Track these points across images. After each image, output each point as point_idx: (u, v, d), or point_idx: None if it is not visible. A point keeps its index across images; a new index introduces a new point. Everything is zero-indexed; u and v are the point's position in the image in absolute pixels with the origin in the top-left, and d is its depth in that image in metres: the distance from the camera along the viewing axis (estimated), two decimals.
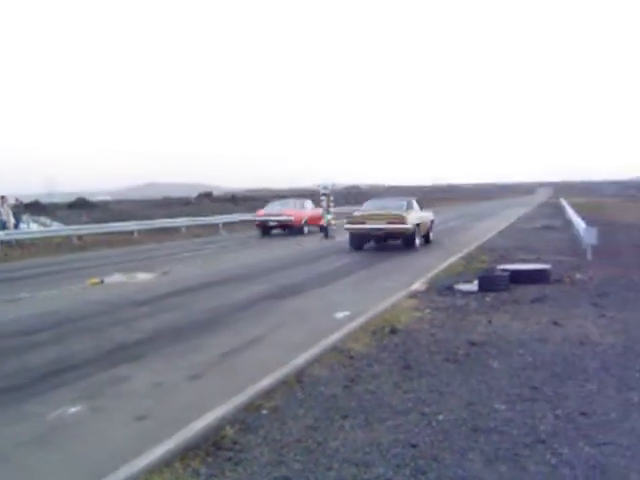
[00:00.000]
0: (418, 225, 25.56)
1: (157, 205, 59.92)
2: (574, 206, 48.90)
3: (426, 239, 27.30)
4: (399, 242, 25.64)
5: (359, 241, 25.88)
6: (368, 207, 27.10)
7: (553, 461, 5.61)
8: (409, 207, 25.99)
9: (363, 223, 25.36)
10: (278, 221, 35.68)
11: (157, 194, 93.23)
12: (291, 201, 39.05)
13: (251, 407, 7.23)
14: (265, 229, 35.80)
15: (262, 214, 36.68)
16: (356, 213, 26.66)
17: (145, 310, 13.76)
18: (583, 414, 6.67)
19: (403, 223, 24.64)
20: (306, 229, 35.85)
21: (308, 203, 37.81)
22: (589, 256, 19.98)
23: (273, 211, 36.63)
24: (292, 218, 35.35)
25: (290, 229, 35.45)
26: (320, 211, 34.73)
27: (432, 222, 28.65)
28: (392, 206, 26.25)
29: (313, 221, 36.05)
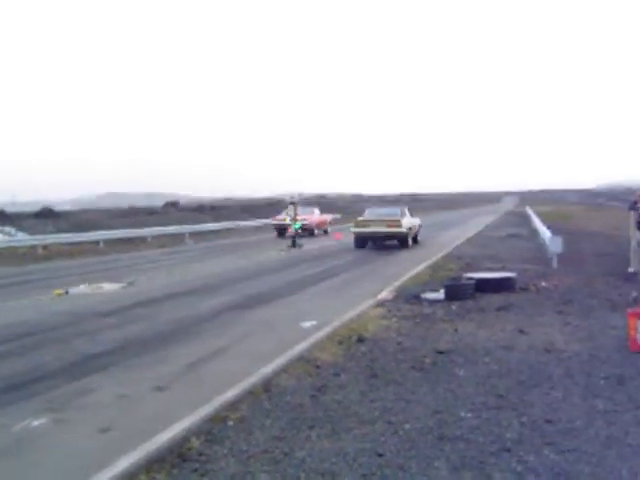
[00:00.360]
0: (410, 228, 30.54)
1: (122, 215, 59.39)
2: (539, 215, 49.28)
3: (414, 240, 31.83)
4: (395, 242, 30.29)
5: (362, 241, 30.38)
6: (369, 214, 32.10)
7: (519, 469, 5.63)
8: (403, 214, 30.96)
9: (366, 226, 30.34)
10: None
11: (117, 203, 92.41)
12: (301, 208, 40.60)
13: (217, 418, 7.19)
14: (281, 231, 39.72)
15: (279, 219, 41.35)
16: (360, 218, 31.26)
17: (110, 321, 13.64)
18: (548, 421, 6.71)
19: (399, 227, 29.60)
20: (316, 231, 41.41)
21: (316, 210, 43.88)
22: (554, 264, 20.15)
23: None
24: (310, 222, 40.03)
25: (303, 231, 37.29)
26: (326, 217, 43.65)
27: (420, 226, 33.59)
28: (389, 213, 31.71)
29: (320, 225, 42.81)
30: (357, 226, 30.70)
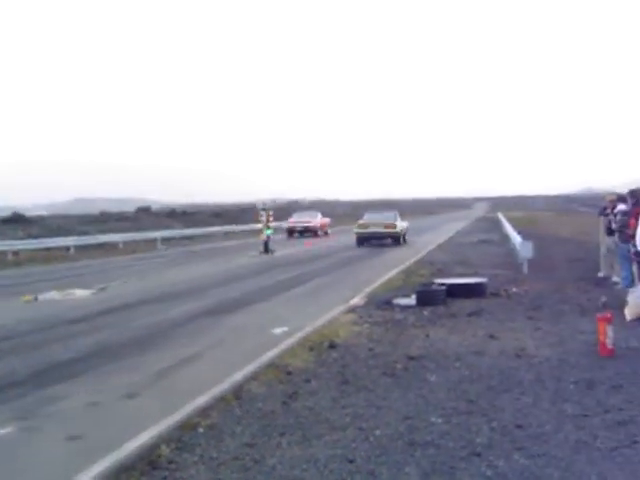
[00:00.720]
0: (402, 229, 37.33)
1: (94, 220, 59.04)
2: (510, 220, 49.60)
3: (404, 239, 37.63)
4: (390, 241, 36.28)
5: (363, 240, 36.04)
6: (368, 218, 37.75)
7: (489, 473, 5.64)
8: (396, 217, 37.64)
9: (367, 228, 36.35)
10: (303, 227, 48.33)
11: (89, 209, 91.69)
12: (306, 213, 53.76)
13: (187, 425, 7.14)
14: (292, 232, 47.82)
15: (292, 222, 49.30)
16: (361, 222, 36.99)
17: (80, 328, 13.54)
18: (518, 426, 6.73)
19: (394, 228, 36.40)
20: (320, 232, 48.42)
21: (319, 214, 51.46)
22: (525, 270, 20.28)
23: (299, 220, 49.65)
24: (311, 224, 48.54)
25: (310, 231, 47.68)
26: (326, 220, 51.10)
27: (407, 228, 39.49)
28: (386, 217, 37.97)
29: (322, 227, 49.74)
30: (359, 228, 36.54)
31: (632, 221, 13.94)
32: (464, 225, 61.81)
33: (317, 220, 49.74)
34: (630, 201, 15.19)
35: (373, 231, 36.14)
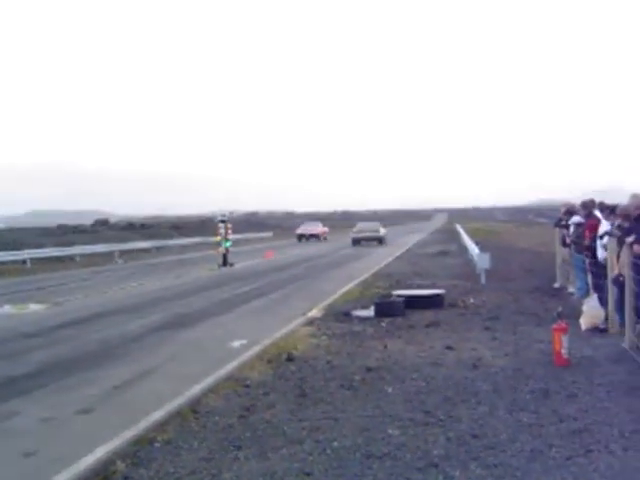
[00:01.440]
0: (384, 234, 52.19)
1: (51, 233, 58.46)
2: (469, 232, 50.04)
3: (384, 241, 51.28)
4: (376, 242, 50.23)
5: (357, 241, 50.39)
6: (360, 226, 53.95)
7: None
8: (379, 226, 53.55)
9: (360, 232, 51.69)
10: (310, 234, 62.11)
11: (46, 222, 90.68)
12: (312, 222, 70.00)
13: (144, 440, 7.07)
14: (301, 237, 61.66)
15: (301, 229, 64.07)
16: (355, 229, 52.64)
17: (35, 342, 13.36)
18: (475, 436, 6.76)
19: (379, 233, 51.75)
20: (322, 238, 62.46)
21: (320, 223, 68.20)
22: (482, 280, 20.45)
23: (306, 228, 64.54)
24: (315, 232, 62.99)
25: (315, 237, 61.62)
26: (326, 229, 66.29)
27: (387, 233, 54.11)
28: (373, 225, 54.32)
29: (323, 234, 63.72)
30: (355, 232, 51.78)
31: (587, 232, 14.12)
32: (423, 236, 62.33)
33: (318, 228, 64.68)
34: (583, 212, 15.41)
35: (365, 235, 51.48)
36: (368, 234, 51.48)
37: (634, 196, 11.30)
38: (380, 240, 50.89)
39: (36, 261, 37.33)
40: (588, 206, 15.38)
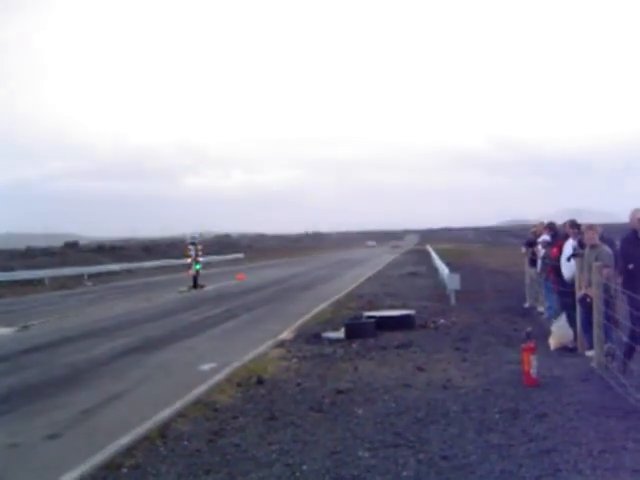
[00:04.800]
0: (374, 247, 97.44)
1: (19, 256, 57.91)
2: (440, 252, 50.30)
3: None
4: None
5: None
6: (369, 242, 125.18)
7: None
8: (376, 243, 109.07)
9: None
10: None
11: (15, 244, 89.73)
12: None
13: (111, 465, 6.99)
14: None
15: None
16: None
17: (3, 367, 13.23)
18: (444, 458, 6.74)
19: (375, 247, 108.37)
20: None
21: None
22: (453, 301, 20.53)
23: None
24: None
25: None
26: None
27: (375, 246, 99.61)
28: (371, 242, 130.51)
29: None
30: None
31: (555, 250, 14.24)
32: (394, 257, 62.54)
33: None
34: (548, 234, 15.63)
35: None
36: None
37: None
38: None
39: (5, 284, 36.93)
40: (554, 228, 15.63)
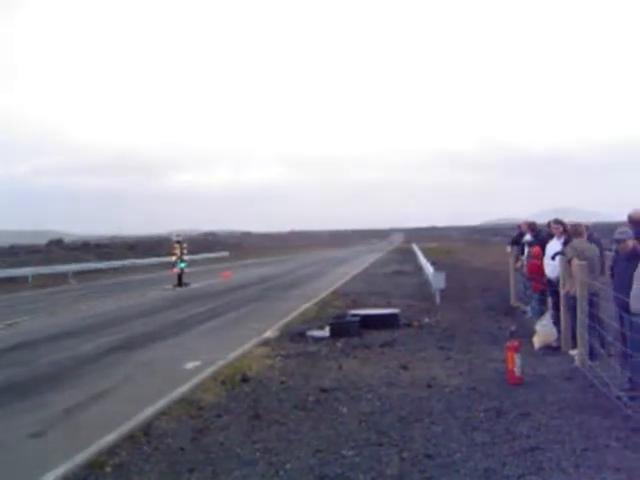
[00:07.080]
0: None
1: (3, 253, 57.56)
2: (425, 251, 50.35)
3: None
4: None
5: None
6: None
7: None
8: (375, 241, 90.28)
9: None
10: None
11: (1, 242, 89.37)
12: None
13: (95, 464, 6.98)
14: None
15: None
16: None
17: None
18: (428, 456, 6.77)
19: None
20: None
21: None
22: (437, 300, 20.56)
23: None
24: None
25: None
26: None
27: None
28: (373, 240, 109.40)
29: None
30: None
31: (536, 249, 14.29)
32: (380, 256, 62.50)
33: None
34: (531, 234, 15.73)
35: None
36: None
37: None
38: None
39: None
40: (535, 228, 15.72)
